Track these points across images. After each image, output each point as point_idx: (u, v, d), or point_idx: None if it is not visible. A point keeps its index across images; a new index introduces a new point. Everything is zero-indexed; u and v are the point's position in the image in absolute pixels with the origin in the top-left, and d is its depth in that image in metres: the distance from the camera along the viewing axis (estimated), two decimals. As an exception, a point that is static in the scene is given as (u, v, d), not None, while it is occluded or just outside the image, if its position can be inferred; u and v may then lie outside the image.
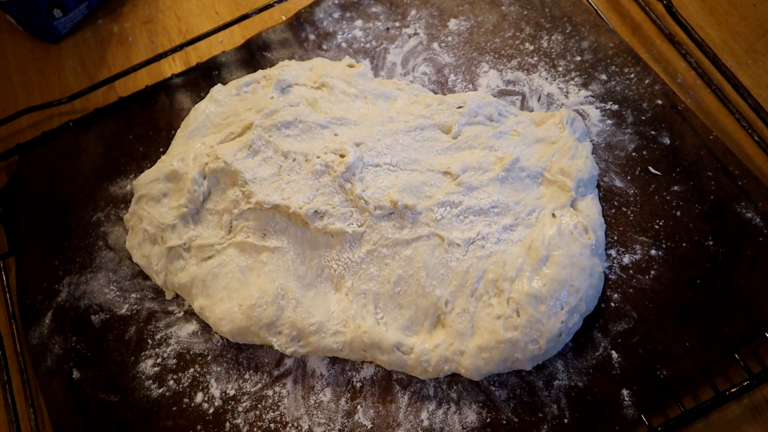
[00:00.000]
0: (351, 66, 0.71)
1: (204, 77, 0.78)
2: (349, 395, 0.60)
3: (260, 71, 0.71)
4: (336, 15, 0.79)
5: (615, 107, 0.68)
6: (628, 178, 0.65)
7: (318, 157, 0.63)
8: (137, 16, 0.88)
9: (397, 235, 0.60)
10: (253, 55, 0.78)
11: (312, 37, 0.78)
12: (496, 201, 0.61)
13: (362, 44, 0.77)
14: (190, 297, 0.64)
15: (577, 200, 0.62)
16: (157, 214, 0.65)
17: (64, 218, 0.72)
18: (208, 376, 0.62)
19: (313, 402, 0.60)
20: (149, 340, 0.64)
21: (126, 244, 0.67)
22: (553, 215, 0.61)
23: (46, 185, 0.74)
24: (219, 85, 0.71)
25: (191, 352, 0.63)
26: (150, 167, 0.69)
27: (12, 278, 0.71)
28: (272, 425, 0.59)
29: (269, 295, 0.60)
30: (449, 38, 0.75)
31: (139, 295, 0.66)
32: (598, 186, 0.64)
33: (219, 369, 0.62)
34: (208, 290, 0.62)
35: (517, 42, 0.73)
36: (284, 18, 0.82)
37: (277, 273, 0.61)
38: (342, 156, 0.63)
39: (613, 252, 0.62)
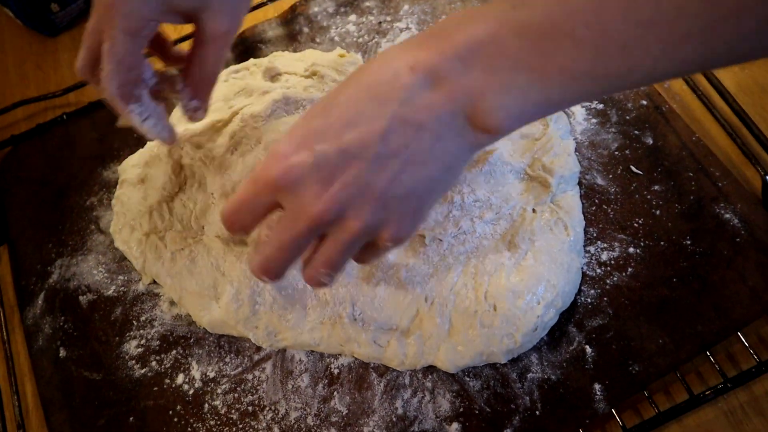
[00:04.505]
0: (342, 56, 0.72)
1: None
2: (326, 381, 0.61)
3: (251, 59, 0.72)
4: (330, 9, 0.81)
5: (600, 106, 0.69)
6: (610, 176, 0.66)
7: None
8: (133, 12, 0.90)
9: None
10: (248, 50, 0.80)
11: (306, 30, 0.80)
12: (478, 195, 0.62)
13: (354, 38, 0.78)
14: (167, 286, 0.65)
15: (558, 197, 0.63)
16: (135, 199, 0.66)
17: (59, 203, 0.74)
18: (189, 358, 0.63)
19: (291, 387, 0.61)
20: (134, 322, 0.65)
21: (110, 228, 0.69)
22: (534, 211, 0.62)
23: (45, 171, 0.76)
24: None
25: (174, 335, 0.64)
26: (140, 153, 0.71)
27: (2, 267, 0.72)
28: (250, 408, 0.60)
29: (245, 293, 0.61)
30: (441, 35, 0.76)
31: (126, 278, 0.68)
32: (580, 183, 0.65)
33: (201, 351, 0.63)
34: (183, 282, 0.63)
35: (507, 41, 0.74)
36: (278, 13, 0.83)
37: None
38: None
39: (591, 249, 0.63)
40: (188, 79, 0.56)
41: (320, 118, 0.44)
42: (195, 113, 0.59)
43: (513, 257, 0.59)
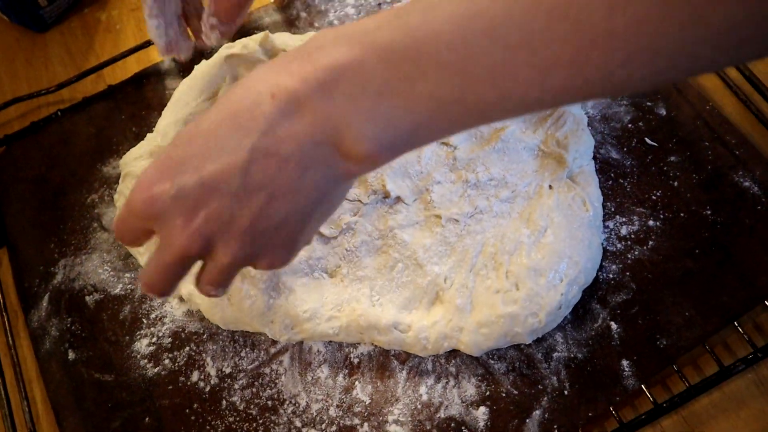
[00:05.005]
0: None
1: (195, 61, 0.77)
2: (346, 371, 0.59)
3: (245, 38, 0.69)
4: (328, -9, 0.79)
5: (610, 80, 0.68)
6: (625, 149, 0.64)
7: None
8: (124, 3, 0.87)
9: (392, 221, 0.59)
10: (244, 37, 0.78)
11: (303, 15, 0.78)
12: (493, 174, 0.60)
13: (354, 21, 0.76)
14: None
15: (574, 172, 0.62)
16: None
17: (59, 202, 0.71)
18: (204, 355, 0.61)
19: (310, 379, 0.59)
20: (144, 320, 0.63)
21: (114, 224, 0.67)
22: (550, 187, 0.60)
23: (41, 170, 0.74)
24: (203, 60, 0.70)
25: (186, 331, 0.62)
26: (140, 147, 0.68)
27: (2, 271, 0.70)
28: (269, 402, 0.58)
29: (258, 288, 0.59)
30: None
31: (133, 275, 0.66)
32: (595, 158, 0.64)
33: (215, 347, 0.61)
34: (191, 278, 0.61)
35: (511, 17, 0.73)
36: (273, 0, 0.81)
37: None
38: None
39: (610, 223, 0.61)
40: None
41: (184, 147, 0.42)
42: (210, 31, 0.59)
43: (532, 235, 0.58)
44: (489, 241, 0.58)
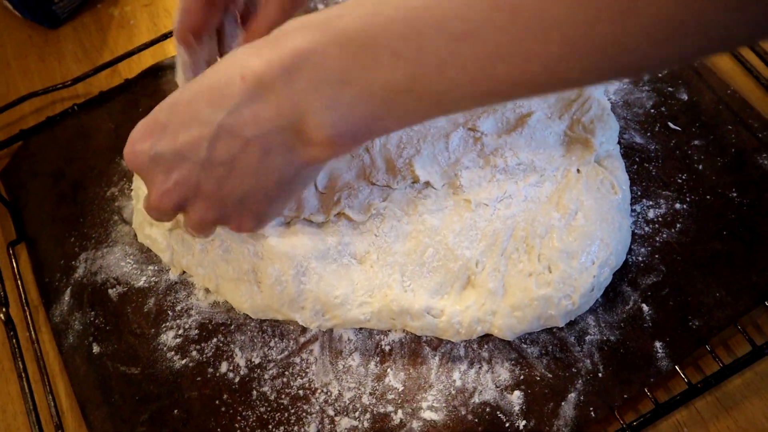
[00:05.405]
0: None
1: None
2: (378, 359, 0.59)
3: None
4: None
5: (631, 66, 0.68)
6: (648, 134, 0.65)
7: None
8: (137, -1, 0.87)
9: (421, 206, 0.59)
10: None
11: (321, 7, 0.78)
12: (521, 159, 0.60)
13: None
14: (200, 278, 0.62)
15: (601, 156, 0.62)
16: None
17: (78, 196, 0.70)
18: (232, 345, 0.60)
19: (341, 367, 0.58)
20: (169, 312, 0.62)
21: (133, 223, 0.66)
22: (578, 171, 0.60)
23: (59, 164, 0.73)
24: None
25: (213, 322, 0.61)
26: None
27: (22, 266, 0.69)
28: (301, 392, 0.58)
29: (289, 274, 0.58)
30: None
31: (156, 267, 0.65)
32: (619, 143, 0.64)
33: (243, 338, 0.61)
34: (218, 270, 0.61)
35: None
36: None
37: (295, 251, 0.59)
38: None
39: (637, 207, 0.62)
40: (247, 32, 0.55)
41: (167, 112, 0.46)
42: None
43: (563, 218, 0.58)
44: (519, 224, 0.58)
